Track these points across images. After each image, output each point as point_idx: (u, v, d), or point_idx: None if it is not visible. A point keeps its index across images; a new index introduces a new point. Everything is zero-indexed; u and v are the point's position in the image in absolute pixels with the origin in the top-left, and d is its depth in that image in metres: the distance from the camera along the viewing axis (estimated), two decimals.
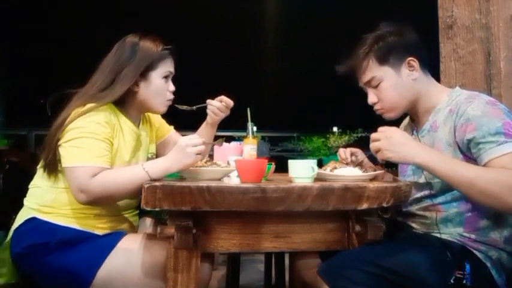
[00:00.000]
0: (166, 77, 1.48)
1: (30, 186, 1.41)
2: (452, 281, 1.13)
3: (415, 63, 1.33)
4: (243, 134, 1.60)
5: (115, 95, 1.38)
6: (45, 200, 1.34)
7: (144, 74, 1.42)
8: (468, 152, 1.22)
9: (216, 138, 1.59)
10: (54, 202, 1.33)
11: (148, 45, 1.44)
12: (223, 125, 1.68)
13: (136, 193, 1.29)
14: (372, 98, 1.37)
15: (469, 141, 1.19)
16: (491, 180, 1.09)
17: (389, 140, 1.17)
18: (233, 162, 1.36)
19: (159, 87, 1.46)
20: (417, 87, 1.34)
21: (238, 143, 1.69)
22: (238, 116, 1.67)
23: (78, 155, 1.26)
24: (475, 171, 1.12)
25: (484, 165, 1.17)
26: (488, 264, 1.20)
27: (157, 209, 1.05)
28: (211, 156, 1.55)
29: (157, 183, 1.05)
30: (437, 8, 1.90)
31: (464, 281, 1.13)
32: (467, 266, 1.15)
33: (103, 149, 1.30)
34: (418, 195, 1.34)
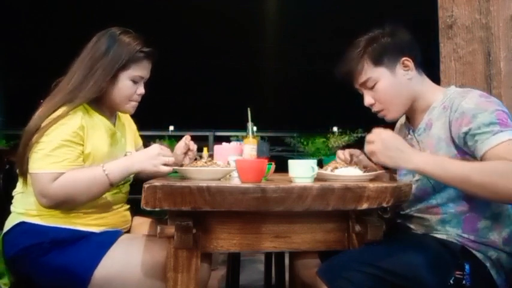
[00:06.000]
0: (135, 81, 1.40)
1: (14, 194, 1.39)
2: (451, 281, 1.13)
3: (410, 63, 1.33)
4: (243, 134, 1.60)
5: (88, 94, 1.33)
6: (31, 204, 1.32)
7: (114, 72, 1.35)
8: (465, 146, 1.21)
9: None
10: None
11: (127, 42, 1.36)
12: (224, 125, 1.68)
13: (98, 195, 1.30)
14: (368, 100, 1.37)
15: (465, 134, 1.19)
16: (486, 172, 1.08)
17: (383, 144, 1.17)
18: (233, 162, 1.36)
19: (123, 89, 1.38)
20: (413, 87, 1.35)
21: (238, 143, 1.69)
22: (238, 116, 1.67)
23: (38, 161, 1.25)
24: (468, 166, 1.11)
25: (482, 156, 1.15)
26: (488, 265, 1.20)
27: (157, 209, 1.05)
28: (211, 156, 1.55)
29: (157, 183, 1.05)
30: (437, 8, 1.90)
31: (463, 282, 1.13)
32: (467, 267, 1.15)
33: (64, 153, 1.27)
34: (416, 196, 1.34)
